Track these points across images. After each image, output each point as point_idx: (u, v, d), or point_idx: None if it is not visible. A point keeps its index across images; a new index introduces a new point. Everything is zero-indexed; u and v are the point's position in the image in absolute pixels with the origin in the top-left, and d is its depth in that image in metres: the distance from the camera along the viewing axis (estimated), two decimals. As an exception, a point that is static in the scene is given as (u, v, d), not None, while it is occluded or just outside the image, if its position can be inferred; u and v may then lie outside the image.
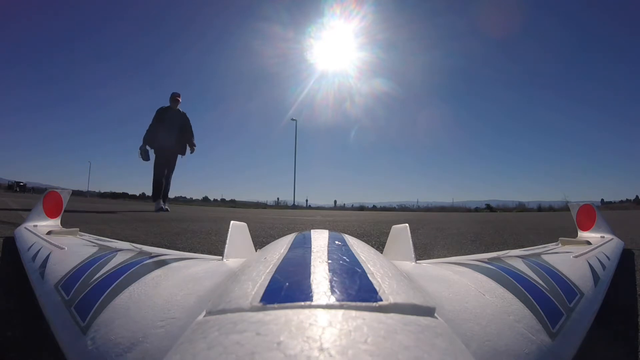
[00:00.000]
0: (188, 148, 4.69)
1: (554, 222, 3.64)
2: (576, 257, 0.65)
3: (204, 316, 0.24)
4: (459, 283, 0.39)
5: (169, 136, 4.43)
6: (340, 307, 0.21)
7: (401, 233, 0.57)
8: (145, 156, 4.44)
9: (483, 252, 1.19)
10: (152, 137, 4.44)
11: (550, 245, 0.91)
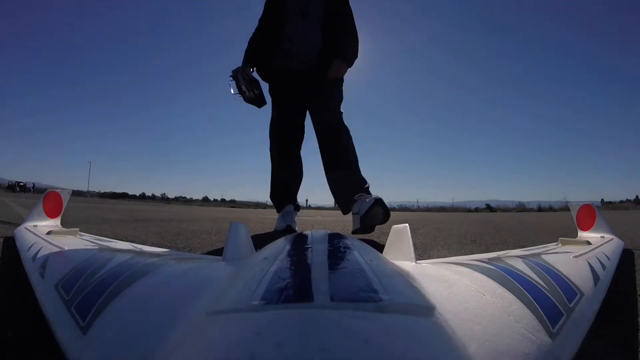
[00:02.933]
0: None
1: (555, 221, 3.64)
2: (576, 257, 0.65)
3: (204, 316, 0.24)
4: (459, 283, 0.39)
5: (309, 36, 1.65)
6: (340, 307, 0.21)
7: (401, 233, 0.57)
8: (250, 89, 1.68)
9: (483, 252, 1.19)
10: (263, 45, 1.69)
11: (550, 245, 0.91)
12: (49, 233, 0.86)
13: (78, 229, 0.95)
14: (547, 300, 0.37)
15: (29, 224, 1.04)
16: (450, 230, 2.40)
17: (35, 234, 0.84)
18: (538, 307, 0.34)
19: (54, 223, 1.15)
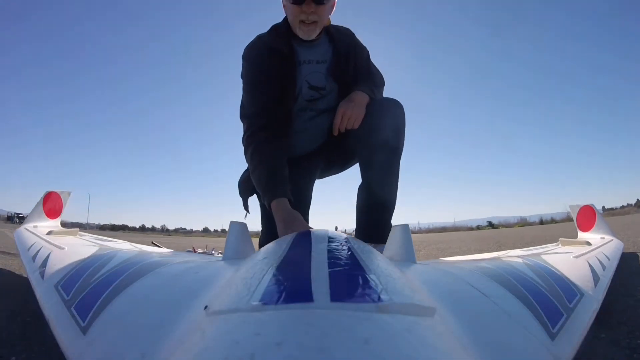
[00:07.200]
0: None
1: (556, 234, 3.63)
2: (576, 257, 0.65)
3: (204, 316, 0.24)
4: (459, 283, 0.39)
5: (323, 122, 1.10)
6: (340, 307, 0.21)
7: (401, 233, 0.57)
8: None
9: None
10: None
11: (550, 246, 0.91)
12: (49, 233, 0.86)
13: (78, 229, 0.95)
14: (547, 300, 0.37)
15: (29, 225, 1.04)
16: (452, 249, 2.40)
17: (35, 234, 0.84)
18: (538, 307, 0.34)
19: (54, 224, 1.15)
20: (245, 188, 1.12)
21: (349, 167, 1.22)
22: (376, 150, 1.00)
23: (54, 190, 1.23)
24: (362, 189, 1.06)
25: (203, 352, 0.18)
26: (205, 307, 0.25)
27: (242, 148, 1.04)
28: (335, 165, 1.23)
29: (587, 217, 1.20)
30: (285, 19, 1.00)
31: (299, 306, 0.21)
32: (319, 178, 1.24)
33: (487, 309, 0.32)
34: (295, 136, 1.11)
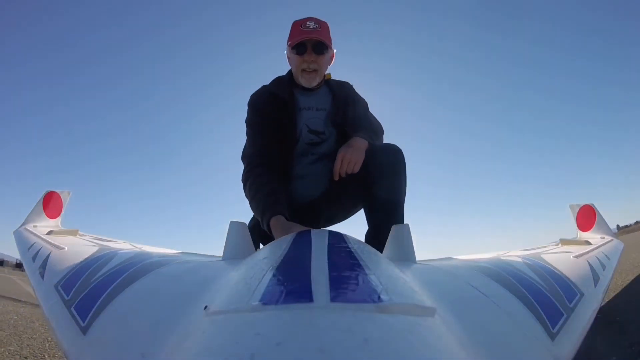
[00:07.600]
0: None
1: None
2: (576, 257, 0.65)
3: (204, 316, 0.24)
4: (459, 283, 0.39)
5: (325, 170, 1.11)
6: (340, 307, 0.21)
7: (401, 233, 0.57)
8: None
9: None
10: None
11: (550, 245, 0.92)
12: (49, 233, 0.86)
13: (78, 229, 0.95)
14: (547, 300, 0.37)
15: (29, 225, 1.04)
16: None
17: (35, 234, 0.84)
18: (538, 307, 0.34)
19: (54, 223, 1.15)
20: (255, 234, 1.02)
21: (354, 213, 1.22)
22: (378, 152, 1.01)
23: (54, 190, 1.23)
24: (367, 223, 1.03)
25: (203, 352, 0.18)
26: (205, 307, 0.25)
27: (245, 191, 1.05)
28: (339, 212, 1.23)
29: (587, 216, 1.20)
30: (289, 71, 1.07)
31: (299, 306, 0.21)
32: (324, 227, 1.24)
33: (487, 309, 0.32)
34: (297, 181, 1.12)
